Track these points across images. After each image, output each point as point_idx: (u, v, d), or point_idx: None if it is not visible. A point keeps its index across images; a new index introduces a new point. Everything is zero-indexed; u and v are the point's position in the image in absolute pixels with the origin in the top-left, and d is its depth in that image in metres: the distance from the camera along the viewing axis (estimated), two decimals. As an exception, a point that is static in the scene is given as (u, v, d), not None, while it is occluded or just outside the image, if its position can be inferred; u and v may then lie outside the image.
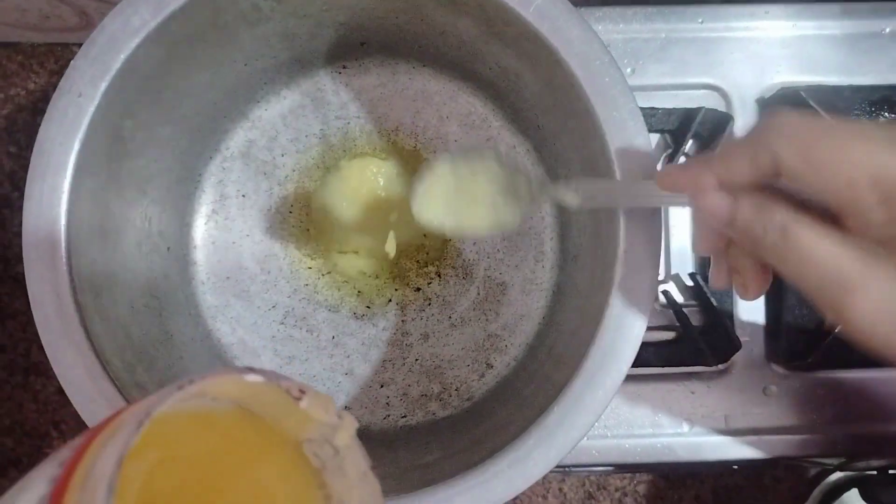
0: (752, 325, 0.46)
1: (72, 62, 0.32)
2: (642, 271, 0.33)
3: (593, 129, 0.33)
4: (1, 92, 0.59)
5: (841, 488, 0.59)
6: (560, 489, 0.57)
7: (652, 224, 0.33)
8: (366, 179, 0.44)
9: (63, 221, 0.32)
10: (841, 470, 0.52)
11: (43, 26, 0.56)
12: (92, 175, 0.33)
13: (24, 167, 0.60)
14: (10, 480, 0.59)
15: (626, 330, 0.32)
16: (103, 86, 0.32)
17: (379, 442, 0.43)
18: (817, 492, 0.59)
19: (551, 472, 0.57)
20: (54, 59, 0.58)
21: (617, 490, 0.57)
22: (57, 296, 0.31)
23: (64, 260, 0.31)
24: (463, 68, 0.43)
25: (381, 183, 0.44)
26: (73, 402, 0.31)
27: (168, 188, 0.41)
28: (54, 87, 0.58)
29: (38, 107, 0.59)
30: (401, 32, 0.41)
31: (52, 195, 0.32)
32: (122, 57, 0.32)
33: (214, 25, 0.35)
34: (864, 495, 0.48)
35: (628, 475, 0.57)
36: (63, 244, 0.31)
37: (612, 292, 0.32)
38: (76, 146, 0.32)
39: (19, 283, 0.58)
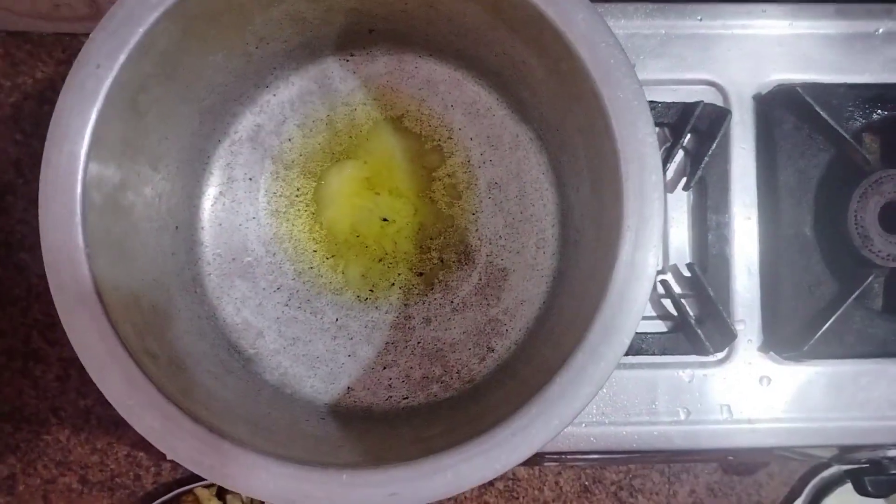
0: (750, 315, 0.46)
1: (91, 34, 0.33)
2: (646, 247, 0.33)
3: (598, 110, 0.34)
4: (8, 80, 0.59)
5: (833, 484, 0.60)
6: (556, 482, 0.57)
7: (655, 205, 0.34)
8: (345, 182, 0.46)
9: (79, 189, 0.32)
10: (835, 463, 0.53)
11: (53, 15, 0.57)
12: (107, 145, 0.34)
13: (30, 155, 0.61)
14: (9, 467, 0.59)
15: (629, 303, 0.33)
16: (121, 58, 0.33)
17: (381, 422, 0.43)
18: (810, 487, 0.60)
19: (547, 463, 0.58)
20: (62, 48, 0.59)
21: (612, 483, 0.57)
22: (71, 261, 0.32)
23: (79, 225, 0.32)
24: (469, 56, 0.44)
25: (364, 183, 0.46)
26: (84, 365, 0.31)
27: (178, 167, 0.41)
28: (62, 76, 0.59)
29: (44, 95, 0.60)
30: (409, 19, 0.42)
31: (70, 161, 0.32)
32: (141, 31, 0.33)
33: (230, 5, 0.36)
34: (856, 488, 0.49)
35: (623, 469, 0.57)
36: (79, 210, 0.32)
37: (615, 266, 0.33)
38: (93, 115, 0.33)
39: (21, 269, 0.58)
